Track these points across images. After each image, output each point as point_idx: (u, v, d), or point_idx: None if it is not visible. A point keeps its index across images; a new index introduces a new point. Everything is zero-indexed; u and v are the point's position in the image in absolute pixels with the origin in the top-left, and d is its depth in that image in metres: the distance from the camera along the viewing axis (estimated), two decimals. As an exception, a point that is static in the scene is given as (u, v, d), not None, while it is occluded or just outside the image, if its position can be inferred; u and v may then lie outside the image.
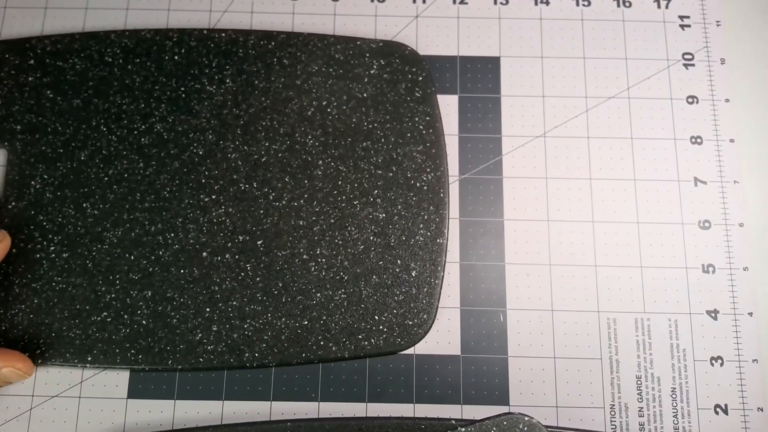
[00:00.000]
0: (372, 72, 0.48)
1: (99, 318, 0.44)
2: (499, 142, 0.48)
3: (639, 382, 0.44)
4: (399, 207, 0.45)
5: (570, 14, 0.51)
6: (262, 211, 0.45)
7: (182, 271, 0.44)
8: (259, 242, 0.45)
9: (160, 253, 0.45)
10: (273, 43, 0.48)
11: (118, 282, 0.44)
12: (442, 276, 0.45)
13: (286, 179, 0.46)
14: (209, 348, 0.43)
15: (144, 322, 0.44)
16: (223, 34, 0.48)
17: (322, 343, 0.43)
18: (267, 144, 0.46)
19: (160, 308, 0.44)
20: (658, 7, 0.51)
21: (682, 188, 0.48)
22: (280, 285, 0.44)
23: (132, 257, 0.45)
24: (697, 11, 0.51)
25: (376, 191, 0.46)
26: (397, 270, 0.44)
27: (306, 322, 0.44)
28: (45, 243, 0.45)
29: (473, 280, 0.46)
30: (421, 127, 0.47)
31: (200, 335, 0.43)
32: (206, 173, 0.46)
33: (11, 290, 0.44)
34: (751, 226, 0.47)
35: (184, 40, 0.48)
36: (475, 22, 0.51)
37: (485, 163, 0.48)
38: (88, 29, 0.50)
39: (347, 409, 0.44)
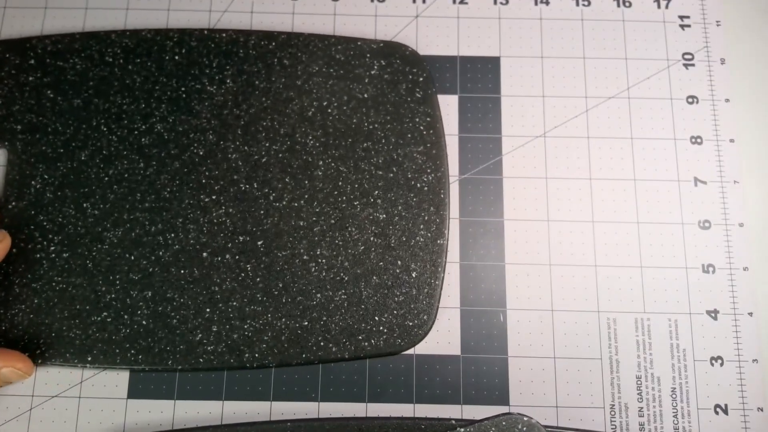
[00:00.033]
0: (373, 72, 0.48)
1: (99, 318, 0.43)
2: (499, 142, 0.48)
3: (639, 382, 0.44)
4: (399, 208, 0.45)
5: (570, 14, 0.51)
6: (262, 212, 0.45)
7: (182, 271, 0.44)
8: (259, 243, 0.44)
9: (161, 253, 0.44)
10: (273, 44, 0.48)
11: (118, 282, 0.44)
12: (443, 277, 0.44)
13: (287, 180, 0.45)
14: (209, 348, 0.43)
15: (144, 322, 0.43)
16: (224, 35, 0.48)
17: (322, 343, 0.43)
18: (267, 144, 0.46)
19: (160, 308, 0.43)
20: (658, 7, 0.51)
21: (682, 188, 0.47)
22: (281, 285, 0.44)
23: (132, 257, 0.44)
24: (697, 11, 0.51)
25: (376, 192, 0.45)
26: (398, 271, 0.44)
27: (306, 323, 0.43)
28: (45, 243, 0.44)
29: (473, 280, 0.45)
30: (421, 127, 0.46)
31: (200, 335, 0.43)
32: (206, 173, 0.45)
33: (11, 290, 0.44)
34: (751, 226, 0.47)
35: (185, 40, 0.48)
36: (475, 22, 0.50)
37: (485, 163, 0.48)
38: (88, 29, 0.49)
39: (347, 409, 0.43)
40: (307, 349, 0.43)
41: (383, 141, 0.46)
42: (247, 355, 0.42)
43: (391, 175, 0.45)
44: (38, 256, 0.44)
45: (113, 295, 0.44)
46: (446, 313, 0.45)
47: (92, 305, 0.43)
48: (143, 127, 0.46)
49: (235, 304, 0.43)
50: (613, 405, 0.44)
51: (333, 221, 0.45)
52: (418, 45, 0.50)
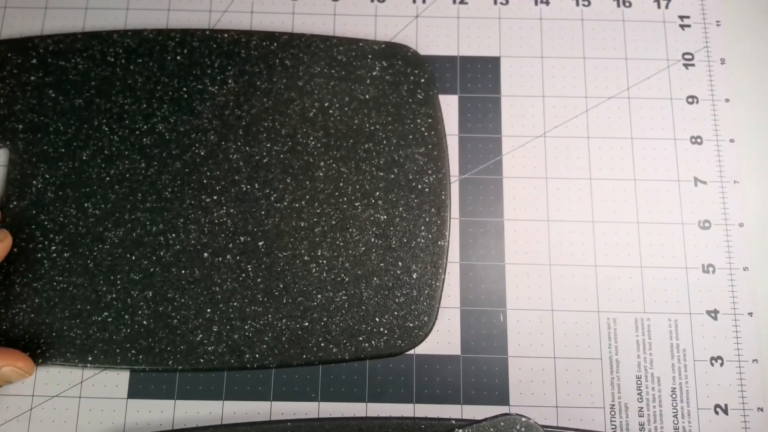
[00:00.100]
0: (374, 74, 0.47)
1: (100, 318, 0.42)
2: (499, 142, 0.47)
3: (639, 382, 0.43)
4: (400, 209, 0.44)
5: (570, 14, 0.50)
6: (263, 212, 0.44)
7: (183, 271, 0.43)
8: (260, 243, 0.43)
9: (161, 253, 0.43)
10: (275, 44, 0.47)
11: (119, 282, 0.43)
12: (443, 278, 0.43)
13: (288, 180, 0.45)
14: (210, 349, 0.42)
15: (145, 322, 0.42)
16: (226, 35, 0.47)
17: (322, 344, 0.42)
18: (269, 145, 0.45)
19: (160, 309, 0.43)
20: (658, 7, 0.50)
21: (682, 188, 0.46)
22: (281, 286, 0.43)
23: (133, 257, 0.43)
24: (697, 11, 0.50)
25: (377, 193, 0.44)
26: (398, 272, 0.43)
27: (307, 324, 0.42)
28: (46, 242, 0.44)
29: (473, 280, 0.45)
30: (422, 129, 0.46)
31: (201, 336, 0.42)
32: (208, 174, 0.45)
33: (12, 290, 0.43)
34: (751, 226, 0.46)
35: (187, 40, 0.47)
36: (475, 22, 0.50)
37: (485, 163, 0.47)
38: (88, 29, 0.49)
39: (347, 409, 0.42)
40: (307, 350, 0.42)
41: (384, 142, 0.45)
42: (247, 355, 0.42)
43: (392, 176, 0.45)
44: (39, 255, 0.43)
45: (114, 295, 0.43)
46: (446, 313, 0.44)
47: (93, 305, 0.43)
48: (145, 127, 0.46)
49: (235, 304, 0.42)
50: (613, 405, 0.43)
51: (334, 222, 0.44)
52: (418, 45, 0.49)
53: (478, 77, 0.48)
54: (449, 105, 0.48)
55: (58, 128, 0.45)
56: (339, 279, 0.43)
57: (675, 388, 0.43)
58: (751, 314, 0.44)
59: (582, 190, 0.46)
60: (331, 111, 0.46)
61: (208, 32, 0.47)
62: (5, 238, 0.42)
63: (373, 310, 0.42)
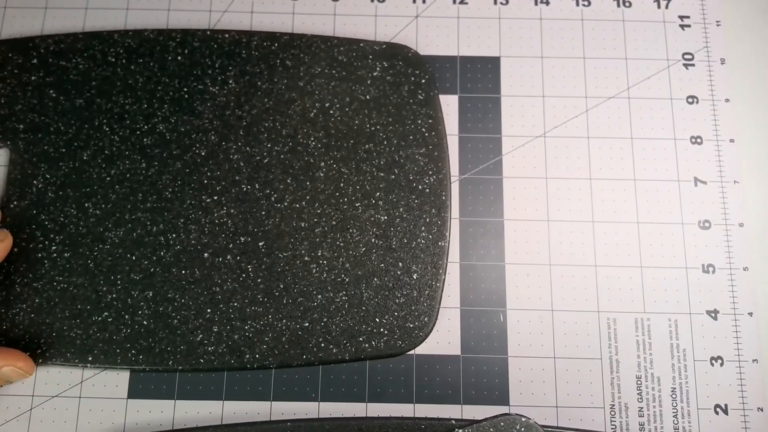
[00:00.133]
0: (375, 74, 0.46)
1: (100, 318, 0.42)
2: (499, 142, 0.47)
3: (639, 382, 0.43)
4: (401, 209, 0.44)
5: (570, 14, 0.49)
6: (263, 213, 0.44)
7: (183, 271, 0.43)
8: (260, 243, 0.43)
9: (162, 253, 0.43)
10: (276, 45, 0.47)
11: (119, 282, 0.42)
12: (444, 279, 0.43)
13: (288, 181, 0.44)
14: (210, 349, 0.41)
15: (145, 322, 0.42)
16: (226, 35, 0.47)
17: (322, 345, 0.42)
18: (269, 145, 0.45)
19: (161, 309, 0.42)
20: (658, 7, 0.49)
21: (682, 188, 0.46)
22: (282, 286, 0.42)
23: (133, 257, 0.43)
24: (697, 11, 0.49)
25: (378, 193, 0.44)
26: (399, 272, 0.43)
27: (307, 324, 0.42)
28: (47, 242, 0.43)
29: (473, 280, 0.44)
30: (423, 129, 0.45)
31: (201, 336, 0.42)
32: (208, 174, 0.44)
33: (12, 289, 0.42)
34: (751, 226, 0.45)
35: (187, 40, 0.47)
36: (475, 22, 0.49)
37: (485, 163, 0.46)
38: (88, 29, 0.48)
39: (347, 409, 0.42)
40: (307, 351, 0.41)
41: (385, 142, 0.45)
42: (247, 356, 0.41)
43: (393, 176, 0.44)
44: (40, 255, 0.43)
45: (114, 295, 0.42)
46: (446, 313, 0.44)
47: (93, 305, 0.42)
48: (145, 127, 0.45)
49: (236, 304, 0.42)
50: (613, 405, 0.42)
51: (334, 222, 0.43)
52: (418, 45, 0.48)
53: (478, 77, 0.48)
54: (449, 105, 0.47)
55: (58, 128, 0.45)
56: (339, 279, 0.42)
57: (675, 388, 0.43)
58: (751, 314, 0.44)
59: (582, 190, 0.46)
60: (331, 111, 0.45)
61: (208, 32, 0.47)
62: (6, 238, 0.42)
63: (374, 310, 0.42)
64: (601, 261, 0.45)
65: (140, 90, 0.46)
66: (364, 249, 0.43)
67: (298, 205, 0.44)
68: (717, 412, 0.42)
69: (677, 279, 0.44)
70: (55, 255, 0.43)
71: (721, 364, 0.43)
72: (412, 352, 0.43)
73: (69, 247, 0.43)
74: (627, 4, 0.49)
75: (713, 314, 0.44)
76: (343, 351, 0.41)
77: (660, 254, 0.45)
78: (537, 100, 0.47)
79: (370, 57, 0.47)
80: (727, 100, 0.47)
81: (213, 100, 0.46)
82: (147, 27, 0.48)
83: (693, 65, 0.48)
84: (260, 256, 0.43)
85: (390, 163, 0.44)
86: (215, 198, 0.44)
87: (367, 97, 0.46)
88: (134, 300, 0.42)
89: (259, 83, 0.46)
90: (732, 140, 0.47)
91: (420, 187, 0.44)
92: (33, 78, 0.46)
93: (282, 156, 0.45)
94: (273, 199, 0.44)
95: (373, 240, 0.43)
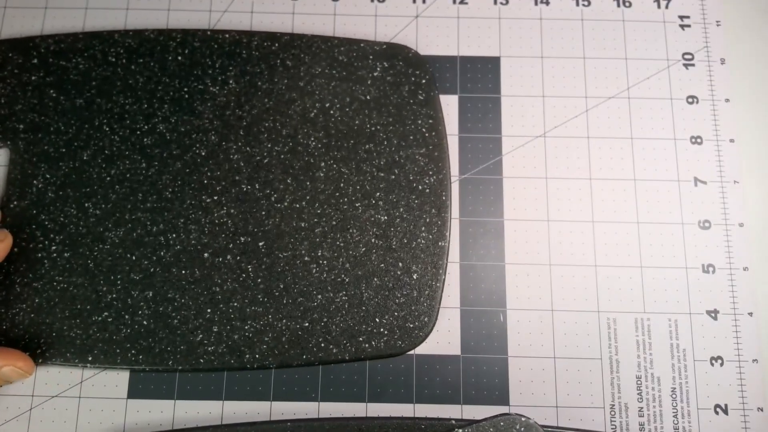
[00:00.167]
0: (375, 74, 0.46)
1: (100, 318, 0.42)
2: (499, 142, 0.46)
3: (639, 382, 0.42)
4: (401, 209, 0.43)
5: (570, 14, 0.49)
6: (263, 213, 0.43)
7: (183, 271, 0.42)
8: (260, 243, 0.43)
9: (162, 253, 0.43)
10: (276, 45, 0.47)
11: (119, 282, 0.42)
12: (444, 279, 0.43)
13: (288, 181, 0.44)
14: (210, 349, 0.41)
15: (145, 322, 0.42)
16: (227, 35, 0.47)
17: (322, 345, 0.41)
18: (269, 145, 0.44)
19: (161, 309, 0.42)
20: (658, 7, 0.49)
21: (682, 188, 0.46)
22: (282, 286, 0.42)
23: (133, 257, 0.43)
24: (697, 11, 0.49)
25: (378, 193, 0.44)
26: (399, 272, 0.42)
27: (307, 324, 0.42)
28: (47, 242, 0.43)
29: (473, 280, 0.44)
30: (423, 129, 0.45)
31: (201, 336, 0.41)
32: (208, 174, 0.44)
33: (12, 289, 0.42)
34: (751, 226, 0.45)
35: (188, 40, 0.47)
36: (475, 22, 0.49)
37: (485, 163, 0.46)
38: (88, 29, 0.48)
39: (347, 409, 0.42)
40: (307, 351, 0.41)
41: (385, 143, 0.45)
42: (247, 356, 0.41)
43: (393, 176, 0.44)
44: (39, 255, 0.43)
45: (114, 295, 0.42)
46: (446, 313, 0.43)
47: (93, 305, 0.42)
48: (145, 127, 0.45)
49: (236, 304, 0.42)
50: (613, 405, 0.42)
51: (334, 222, 0.43)
52: (418, 45, 0.48)
53: (478, 77, 0.48)
54: (449, 105, 0.47)
55: (58, 128, 0.45)
56: (339, 279, 0.42)
57: (675, 388, 0.42)
58: (751, 314, 0.44)
59: (582, 190, 0.46)
60: (332, 111, 0.45)
61: (209, 32, 0.47)
62: (6, 238, 0.42)
63: (374, 310, 0.42)
64: (601, 261, 0.44)
65: (140, 90, 0.45)
66: (364, 249, 0.43)
67: (298, 205, 0.43)
68: (717, 412, 0.42)
69: (677, 279, 0.44)
70: (55, 255, 0.43)
71: (721, 364, 0.43)
72: (412, 352, 0.42)
73: (69, 247, 0.43)
74: (627, 4, 0.49)
75: (713, 314, 0.44)
76: (343, 351, 0.41)
77: (660, 254, 0.45)
78: (537, 100, 0.47)
79: (371, 57, 0.46)
80: (727, 100, 0.47)
81: (213, 100, 0.45)
82: (147, 27, 0.48)
83: (693, 65, 0.48)
84: (260, 256, 0.43)
85: (390, 163, 0.44)
86: (215, 198, 0.44)
87: (368, 97, 0.45)
88: (134, 300, 0.42)
89: (259, 83, 0.46)
90: (732, 140, 0.46)
91: (420, 187, 0.44)
92: (33, 78, 0.46)
93: (282, 156, 0.44)
94: (273, 199, 0.44)
95: (373, 240, 0.43)
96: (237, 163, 0.44)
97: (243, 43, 0.46)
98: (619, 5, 0.49)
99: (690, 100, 0.47)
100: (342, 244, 0.43)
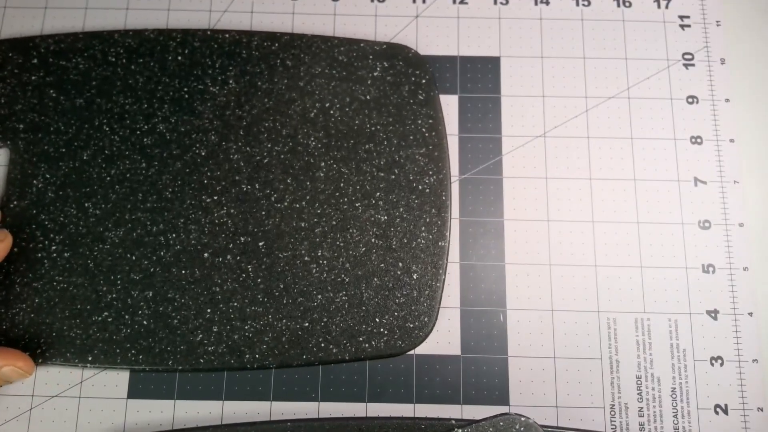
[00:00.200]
0: (375, 74, 0.46)
1: (100, 318, 0.42)
2: (499, 142, 0.46)
3: (639, 382, 0.42)
4: (401, 209, 0.43)
5: (570, 14, 0.49)
6: (263, 213, 0.43)
7: (183, 271, 0.42)
8: (260, 243, 0.43)
9: (162, 253, 0.43)
10: (276, 45, 0.46)
11: (119, 282, 0.42)
12: (444, 279, 0.43)
13: (288, 181, 0.44)
14: (210, 349, 0.41)
15: (145, 322, 0.42)
16: (227, 35, 0.47)
17: (322, 345, 0.41)
18: (269, 145, 0.44)
19: (161, 309, 0.42)
20: (658, 7, 0.49)
21: (682, 188, 0.46)
22: (282, 286, 0.42)
23: (133, 257, 0.43)
24: (697, 11, 0.49)
25: (378, 193, 0.44)
26: (399, 272, 0.42)
27: (307, 324, 0.41)
28: (46, 242, 0.43)
29: (473, 280, 0.44)
30: (423, 129, 0.45)
31: (201, 336, 0.41)
32: (208, 174, 0.44)
33: (12, 289, 0.42)
34: (751, 226, 0.45)
35: (188, 40, 0.46)
36: (475, 22, 0.49)
37: (485, 163, 0.46)
38: (88, 29, 0.48)
39: (347, 409, 0.42)
40: (307, 351, 0.41)
41: (385, 143, 0.44)
42: (247, 356, 0.41)
43: (393, 176, 0.44)
44: (39, 255, 0.43)
45: (114, 295, 0.42)
46: (446, 313, 0.43)
47: (93, 305, 0.42)
48: (145, 127, 0.45)
49: (236, 304, 0.42)
50: (613, 405, 0.42)
51: (334, 222, 0.43)
52: (418, 45, 0.48)
53: (478, 77, 0.48)
54: (449, 105, 0.47)
55: (58, 128, 0.45)
56: (339, 279, 0.42)
57: (675, 388, 0.42)
58: (751, 314, 0.43)
59: (582, 190, 0.46)
60: (332, 111, 0.45)
61: (209, 32, 0.47)
62: (5, 238, 0.42)
63: (374, 310, 0.42)
64: (601, 261, 0.44)
65: (140, 90, 0.45)
66: (364, 249, 0.43)
67: (298, 205, 0.43)
68: (717, 412, 0.42)
69: (677, 279, 0.44)
70: (55, 255, 0.43)
71: (721, 364, 0.43)
72: (412, 352, 0.42)
73: (69, 247, 0.43)
74: (627, 4, 0.49)
75: (713, 314, 0.43)
76: (343, 351, 0.41)
77: (660, 254, 0.44)
78: (537, 100, 0.47)
79: (371, 57, 0.46)
80: (727, 100, 0.47)
81: (213, 100, 0.45)
82: (147, 27, 0.48)
83: (693, 65, 0.48)
84: (260, 256, 0.42)
85: (390, 163, 0.44)
86: (215, 198, 0.43)
87: (368, 97, 0.45)
88: (134, 300, 0.42)
89: (259, 83, 0.46)
90: (732, 140, 0.46)
91: (420, 187, 0.44)
92: (33, 78, 0.45)
93: (282, 156, 0.44)
94: (273, 199, 0.43)
95: (373, 240, 0.43)
96: (237, 163, 0.44)
97: (243, 43, 0.46)
98: (619, 5, 0.49)
99: (690, 100, 0.47)
100: (342, 244, 0.43)
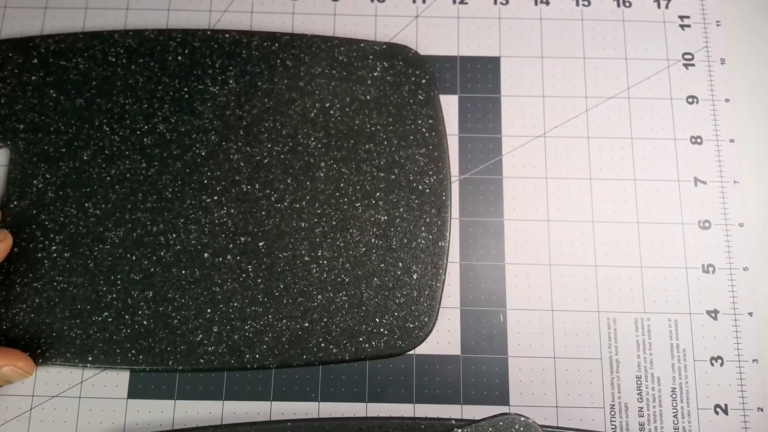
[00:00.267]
0: (375, 74, 0.46)
1: (100, 318, 0.42)
2: (499, 142, 0.46)
3: (639, 382, 0.42)
4: (401, 209, 0.43)
5: (570, 14, 0.49)
6: (263, 213, 0.43)
7: (183, 271, 0.42)
8: (260, 243, 0.43)
9: (162, 253, 0.43)
10: (276, 45, 0.46)
11: (119, 282, 0.42)
12: (444, 279, 0.42)
13: (289, 181, 0.44)
14: (210, 349, 0.41)
15: (145, 322, 0.42)
16: (227, 35, 0.46)
17: (322, 345, 0.41)
18: (269, 145, 0.44)
19: (161, 309, 0.42)
20: (658, 7, 0.49)
21: (682, 188, 0.46)
22: (282, 286, 0.42)
23: (133, 257, 0.43)
24: (697, 11, 0.49)
25: (378, 193, 0.44)
26: (399, 272, 0.42)
27: (307, 324, 0.41)
28: (47, 242, 0.43)
29: (473, 280, 0.44)
30: (423, 129, 0.45)
31: (201, 336, 0.41)
32: (208, 174, 0.44)
33: (12, 289, 0.42)
34: (751, 226, 0.45)
35: (188, 40, 0.46)
36: (475, 22, 0.49)
37: (485, 163, 0.46)
38: (88, 29, 0.48)
39: (347, 409, 0.42)
40: (307, 351, 0.41)
41: (385, 143, 0.44)
42: (247, 356, 0.41)
43: (393, 176, 0.44)
44: (40, 255, 0.43)
45: (114, 295, 0.42)
46: (446, 313, 0.43)
47: (93, 305, 0.42)
48: (145, 127, 0.45)
49: (236, 304, 0.42)
50: (613, 405, 0.42)
51: (334, 222, 0.43)
52: (418, 45, 0.48)
53: (478, 77, 0.48)
54: (449, 105, 0.47)
55: (58, 128, 0.45)
56: (339, 279, 0.42)
57: (675, 388, 0.42)
58: (751, 314, 0.43)
59: (582, 190, 0.46)
60: (332, 111, 0.45)
61: (209, 32, 0.47)
62: (6, 238, 0.42)
63: (374, 310, 0.42)
64: (601, 261, 0.44)
65: (140, 90, 0.45)
66: (364, 249, 0.43)
67: (298, 205, 0.43)
68: (717, 412, 0.42)
69: (677, 279, 0.44)
70: (55, 255, 0.42)
71: (721, 364, 0.43)
72: (412, 352, 0.42)
73: (69, 247, 0.43)
74: (627, 4, 0.49)
75: (713, 314, 0.43)
76: (343, 351, 0.41)
77: (660, 254, 0.44)
78: (537, 100, 0.47)
79: (371, 57, 0.46)
80: (727, 100, 0.47)
81: (213, 100, 0.45)
82: (147, 27, 0.48)
83: (693, 65, 0.48)
84: (260, 256, 0.42)
85: (390, 163, 0.44)
86: (215, 198, 0.43)
87: (368, 97, 0.45)
88: (134, 300, 0.42)
89: (259, 83, 0.46)
90: (732, 140, 0.46)
91: (420, 187, 0.44)
92: (33, 78, 0.45)
93: (282, 156, 0.44)
94: (273, 199, 0.43)
95: (373, 240, 0.43)
96: (237, 163, 0.44)
97: (243, 43, 0.46)
98: (619, 5, 0.49)
99: (690, 100, 0.47)
100: (342, 244, 0.43)
